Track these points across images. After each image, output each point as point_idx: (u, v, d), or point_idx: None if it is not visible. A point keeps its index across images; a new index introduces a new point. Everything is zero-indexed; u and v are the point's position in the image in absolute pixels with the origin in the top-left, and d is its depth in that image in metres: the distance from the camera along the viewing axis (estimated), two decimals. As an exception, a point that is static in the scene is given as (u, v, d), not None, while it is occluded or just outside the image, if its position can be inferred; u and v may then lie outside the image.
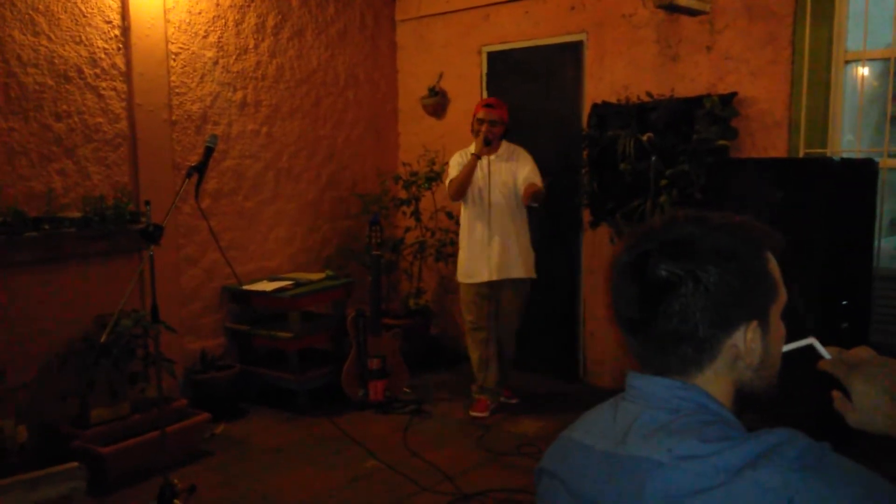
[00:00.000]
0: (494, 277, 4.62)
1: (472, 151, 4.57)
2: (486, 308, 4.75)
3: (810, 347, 1.16)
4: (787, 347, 1.14)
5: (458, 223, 5.82)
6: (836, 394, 1.12)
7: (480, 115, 4.59)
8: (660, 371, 1.07)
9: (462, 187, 4.60)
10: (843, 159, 3.95)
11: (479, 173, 4.59)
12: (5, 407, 3.76)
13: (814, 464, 0.92)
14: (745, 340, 1.04)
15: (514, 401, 4.96)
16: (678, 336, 1.03)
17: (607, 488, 1.01)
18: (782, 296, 1.09)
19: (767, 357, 1.07)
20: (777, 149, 4.36)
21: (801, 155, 4.26)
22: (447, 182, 4.72)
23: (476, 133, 4.59)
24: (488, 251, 4.60)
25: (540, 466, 1.19)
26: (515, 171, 4.59)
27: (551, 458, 1.17)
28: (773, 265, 1.08)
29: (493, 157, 4.60)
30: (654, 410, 1.04)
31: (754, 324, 1.04)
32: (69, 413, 4.06)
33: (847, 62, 4.26)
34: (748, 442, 0.94)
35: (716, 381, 1.05)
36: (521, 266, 4.66)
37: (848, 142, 4.36)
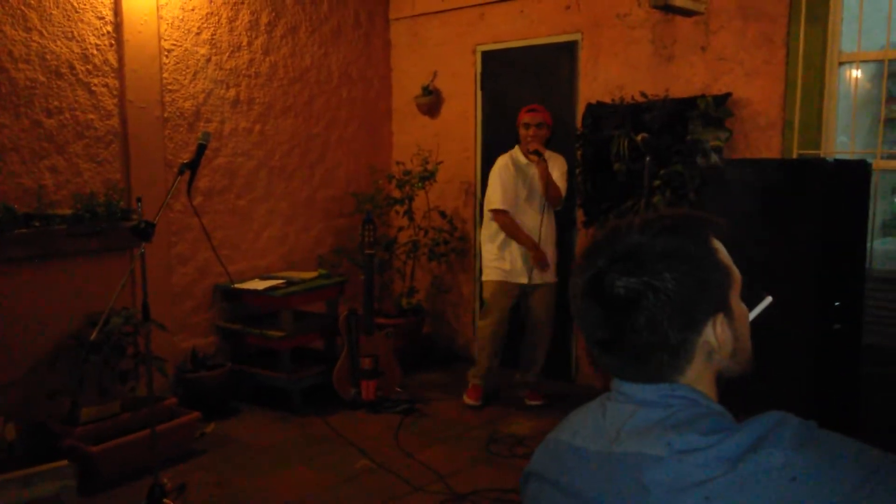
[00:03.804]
0: (535, 281, 4.79)
1: (524, 161, 4.77)
2: (506, 306, 4.87)
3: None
4: (752, 314, 1.17)
5: (451, 222, 5.84)
6: None
7: (526, 119, 4.72)
8: (639, 379, 1.07)
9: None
10: (836, 160, 3.94)
11: (524, 178, 4.77)
12: (-6, 405, 3.73)
13: (808, 439, 0.93)
14: (716, 334, 1.04)
15: (537, 402, 4.94)
16: (651, 347, 1.03)
17: (607, 487, 1.01)
18: (737, 278, 1.10)
19: (738, 341, 1.08)
20: (771, 149, 4.37)
21: (794, 156, 4.26)
22: (492, 198, 4.78)
23: (523, 138, 4.74)
24: (528, 254, 4.74)
25: (528, 470, 1.18)
26: (550, 175, 4.71)
27: (540, 462, 1.16)
28: (722, 251, 1.09)
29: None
30: (647, 410, 1.04)
31: (720, 316, 1.05)
32: (59, 411, 4.03)
33: (841, 63, 4.27)
34: (744, 429, 0.95)
35: (698, 380, 1.06)
36: (552, 270, 4.85)
37: (841, 143, 4.37)
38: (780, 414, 0.96)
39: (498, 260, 4.85)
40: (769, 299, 1.20)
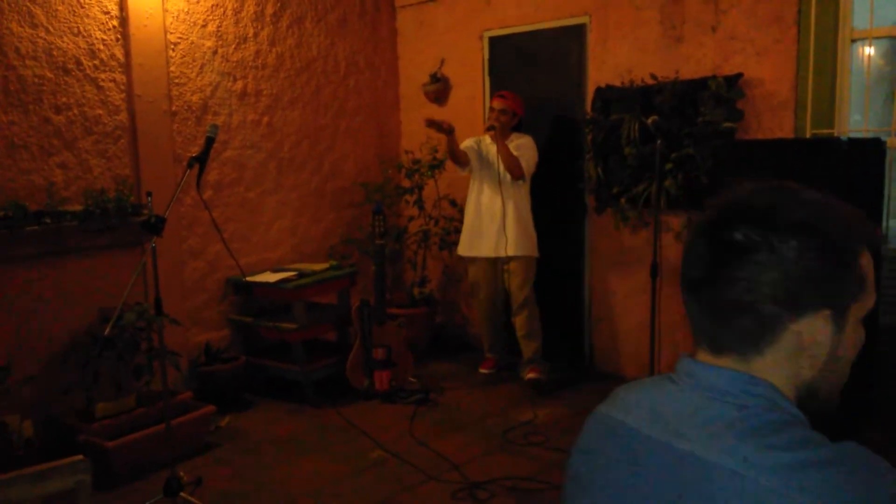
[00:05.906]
0: (493, 254, 4.97)
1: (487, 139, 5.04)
2: (489, 283, 5.11)
3: None
4: None
5: (461, 211, 5.82)
6: None
7: (493, 104, 4.99)
8: (715, 344, 0.99)
9: (452, 157, 4.99)
10: (850, 139, 3.89)
11: (489, 157, 4.97)
12: (10, 402, 3.75)
13: None
14: (813, 330, 0.94)
15: (533, 375, 4.97)
16: (739, 306, 0.94)
17: (661, 480, 0.95)
18: (869, 298, 0.97)
19: (836, 359, 0.97)
20: (784, 130, 4.31)
21: (808, 135, 4.21)
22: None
23: (487, 118, 5.02)
24: (491, 228, 4.94)
25: (577, 447, 1.11)
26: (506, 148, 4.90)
27: (589, 438, 1.09)
28: (867, 261, 0.97)
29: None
30: (719, 404, 0.95)
31: (826, 313, 0.94)
32: (74, 407, 4.05)
33: (853, 41, 4.20)
34: (838, 464, 0.87)
35: (776, 371, 0.96)
36: (520, 243, 4.92)
37: (855, 121, 4.31)
38: (883, 465, 0.88)
39: (468, 234, 5.13)
40: None
